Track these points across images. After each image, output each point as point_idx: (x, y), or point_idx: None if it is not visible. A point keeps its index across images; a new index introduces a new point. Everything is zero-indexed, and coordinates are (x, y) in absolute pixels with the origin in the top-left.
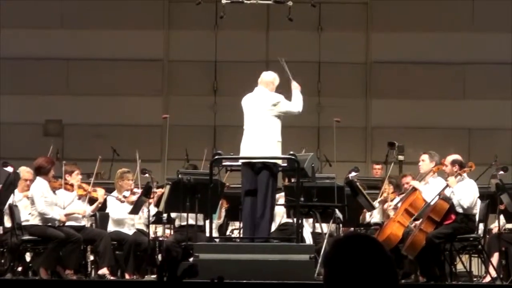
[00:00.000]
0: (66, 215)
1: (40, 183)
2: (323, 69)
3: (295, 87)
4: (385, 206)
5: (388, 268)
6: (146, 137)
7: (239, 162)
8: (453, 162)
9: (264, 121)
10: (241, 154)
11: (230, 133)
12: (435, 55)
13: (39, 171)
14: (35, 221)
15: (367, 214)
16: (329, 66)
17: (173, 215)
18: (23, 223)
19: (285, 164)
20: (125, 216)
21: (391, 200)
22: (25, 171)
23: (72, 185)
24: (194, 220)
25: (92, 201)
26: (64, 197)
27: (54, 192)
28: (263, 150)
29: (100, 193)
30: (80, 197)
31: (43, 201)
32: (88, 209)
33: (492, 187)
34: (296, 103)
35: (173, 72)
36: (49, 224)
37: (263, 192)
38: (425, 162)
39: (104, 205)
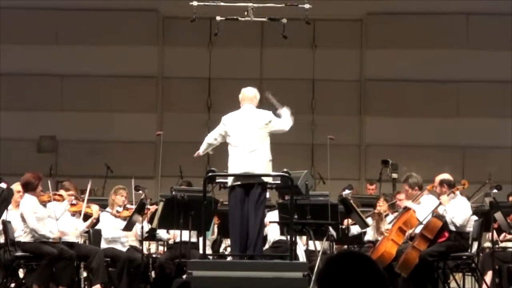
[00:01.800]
0: (60, 232)
1: (29, 199)
2: (317, 86)
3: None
4: (381, 229)
5: (381, 286)
6: (140, 153)
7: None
8: (441, 183)
9: (257, 139)
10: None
11: (224, 150)
12: (430, 73)
13: (27, 187)
14: (28, 237)
15: (352, 228)
16: (323, 83)
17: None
18: (16, 239)
19: (278, 181)
20: (117, 235)
21: (385, 216)
22: (17, 185)
23: (61, 196)
24: (188, 237)
25: (86, 217)
26: (55, 209)
27: (44, 206)
28: (258, 169)
29: (94, 208)
30: (74, 213)
31: (34, 217)
32: (82, 225)
33: (486, 205)
34: (286, 120)
35: (167, 88)
36: (42, 240)
37: (257, 209)
38: (409, 191)
39: (98, 221)
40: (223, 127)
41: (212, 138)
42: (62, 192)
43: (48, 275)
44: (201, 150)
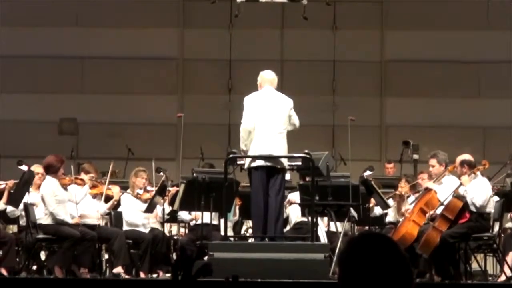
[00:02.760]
0: (80, 216)
1: (50, 181)
2: (338, 67)
3: None
4: (402, 210)
5: (403, 267)
6: (161, 135)
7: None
8: (462, 163)
9: (281, 122)
10: (257, 154)
11: None
12: (450, 54)
13: (49, 170)
14: (50, 220)
15: (375, 209)
16: (344, 64)
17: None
18: (38, 222)
19: (299, 163)
20: (138, 219)
21: (407, 198)
22: (37, 167)
23: (83, 180)
24: (209, 219)
25: (107, 199)
26: (76, 192)
27: (65, 189)
28: (281, 151)
29: (115, 190)
30: (95, 195)
31: (54, 200)
32: (104, 207)
33: (507, 186)
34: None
35: (188, 70)
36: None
37: (279, 192)
38: (435, 167)
39: (119, 203)
40: (249, 107)
41: (247, 124)
42: (83, 176)
43: (70, 257)
44: (243, 145)
